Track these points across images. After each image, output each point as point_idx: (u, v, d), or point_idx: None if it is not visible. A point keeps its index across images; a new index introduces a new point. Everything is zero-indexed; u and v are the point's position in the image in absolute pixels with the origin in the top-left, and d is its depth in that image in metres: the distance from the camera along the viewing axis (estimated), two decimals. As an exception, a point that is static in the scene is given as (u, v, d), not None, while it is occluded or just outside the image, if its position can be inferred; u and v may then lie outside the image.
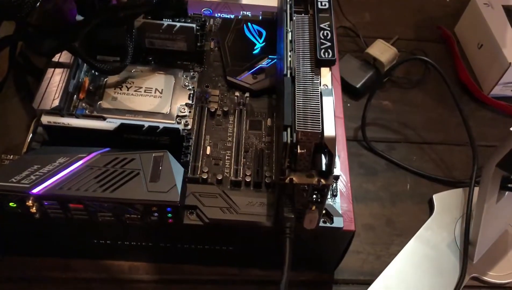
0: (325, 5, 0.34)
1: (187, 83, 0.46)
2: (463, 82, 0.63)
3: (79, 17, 0.45)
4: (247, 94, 0.46)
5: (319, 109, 0.30)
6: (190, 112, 0.44)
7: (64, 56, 0.44)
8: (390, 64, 0.60)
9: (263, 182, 0.41)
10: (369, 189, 0.54)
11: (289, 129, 0.30)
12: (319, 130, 0.29)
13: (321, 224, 0.39)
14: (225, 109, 0.45)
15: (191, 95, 0.45)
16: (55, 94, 0.41)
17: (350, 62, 0.62)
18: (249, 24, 0.51)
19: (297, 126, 0.29)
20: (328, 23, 0.33)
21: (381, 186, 0.54)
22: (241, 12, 0.53)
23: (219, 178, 0.41)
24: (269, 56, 0.48)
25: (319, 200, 0.34)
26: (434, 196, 0.53)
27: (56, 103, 0.40)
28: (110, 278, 0.45)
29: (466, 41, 0.67)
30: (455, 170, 0.56)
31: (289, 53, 0.33)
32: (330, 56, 0.31)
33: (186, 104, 0.45)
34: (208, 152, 0.43)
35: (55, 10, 0.47)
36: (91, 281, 0.45)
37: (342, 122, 0.46)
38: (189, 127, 0.43)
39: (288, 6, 0.36)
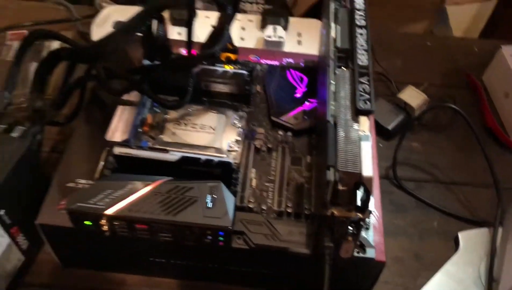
0: (364, 61, 0.40)
1: (236, 122, 0.52)
2: (490, 128, 0.67)
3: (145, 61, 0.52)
4: (289, 133, 0.51)
5: (358, 152, 0.35)
6: (238, 147, 0.50)
7: (132, 95, 0.50)
8: (420, 109, 0.65)
9: (303, 214, 0.46)
10: (398, 225, 0.58)
11: (332, 169, 0.35)
12: (359, 171, 0.34)
13: (354, 254, 0.43)
14: (269, 146, 0.50)
15: (240, 133, 0.51)
16: (124, 128, 0.47)
17: (382, 105, 0.66)
18: (291, 70, 0.56)
19: (340, 166, 0.34)
20: (367, 78, 0.38)
21: (410, 222, 0.58)
22: (284, 59, 0.59)
23: (264, 208, 0.46)
24: (310, 100, 0.54)
25: (355, 232, 0.39)
26: (459, 234, 0.56)
27: (125, 136, 0.47)
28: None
29: (493, 89, 0.71)
30: (481, 211, 0.59)
31: (332, 102, 0.38)
32: (368, 106, 0.37)
33: (236, 140, 0.50)
34: (253, 184, 0.48)
35: (125, 56, 0.55)
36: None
37: (376, 162, 0.51)
38: (238, 161, 0.49)
39: (331, 62, 0.41)
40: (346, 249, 0.40)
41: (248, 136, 0.51)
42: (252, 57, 0.59)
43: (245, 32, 0.72)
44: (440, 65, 0.75)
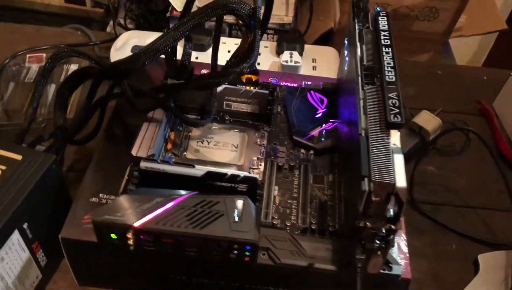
0: (392, 78, 0.41)
1: (258, 140, 0.52)
2: (503, 153, 0.68)
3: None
4: (311, 152, 0.52)
5: (391, 163, 0.36)
6: (260, 165, 0.50)
7: (156, 113, 0.51)
8: (435, 133, 0.65)
9: (327, 231, 0.45)
10: (415, 246, 0.57)
11: (366, 179, 0.35)
12: (393, 181, 0.35)
13: (380, 271, 0.43)
14: (292, 164, 0.51)
15: (262, 151, 0.51)
16: (150, 144, 0.48)
17: (397, 130, 0.67)
18: (311, 92, 0.57)
19: (373, 177, 0.35)
20: (396, 93, 0.39)
21: (427, 244, 0.58)
22: (303, 82, 0.60)
23: (288, 224, 0.46)
24: (331, 120, 0.54)
25: (383, 245, 0.38)
26: (479, 256, 0.56)
27: (151, 151, 0.47)
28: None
29: (504, 115, 0.72)
30: (498, 234, 0.59)
31: (362, 117, 0.39)
32: (399, 120, 0.37)
33: (258, 158, 0.51)
34: (277, 201, 0.48)
35: (147, 76, 0.56)
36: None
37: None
38: (260, 178, 0.49)
39: (360, 79, 0.42)
40: (374, 263, 0.39)
41: (269, 154, 0.52)
42: (271, 80, 0.60)
43: (261, 57, 0.74)
44: (451, 92, 0.77)
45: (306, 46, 0.75)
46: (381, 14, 0.46)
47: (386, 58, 0.42)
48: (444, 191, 0.64)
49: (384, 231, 0.36)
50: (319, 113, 0.55)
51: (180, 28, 0.46)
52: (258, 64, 0.72)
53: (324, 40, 0.85)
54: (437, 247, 0.58)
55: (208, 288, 0.48)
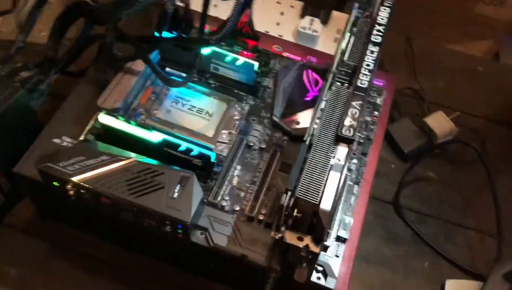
0: (364, 84, 0.36)
1: (236, 113, 0.50)
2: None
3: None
4: (285, 137, 0.49)
5: (323, 181, 0.32)
6: (230, 140, 0.48)
7: (136, 64, 0.49)
8: (444, 138, 0.60)
9: (273, 224, 0.43)
10: (385, 255, 0.54)
11: (289, 193, 0.32)
12: (317, 201, 0.32)
13: (315, 279, 0.41)
14: (262, 146, 0.48)
15: (236, 125, 0.49)
16: (118, 96, 0.46)
17: (406, 126, 0.62)
18: (309, 71, 0.53)
19: (298, 192, 0.32)
20: (361, 102, 0.35)
21: (399, 255, 0.55)
22: (308, 57, 0.56)
23: (236, 209, 0.44)
24: (318, 106, 0.50)
25: (309, 257, 0.36)
26: (447, 281, 0.52)
27: (116, 105, 0.46)
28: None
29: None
30: (479, 261, 0.54)
31: (316, 121, 0.35)
32: (350, 135, 0.33)
33: (229, 133, 0.48)
34: (234, 182, 0.46)
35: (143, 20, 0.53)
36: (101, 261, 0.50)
37: (369, 186, 0.47)
38: (225, 154, 0.47)
39: (331, 75, 0.38)
40: (299, 274, 0.37)
41: (243, 131, 0.49)
42: (275, 48, 0.56)
43: (283, 17, 0.68)
44: (485, 95, 0.69)
45: (334, 13, 0.68)
46: (385, 4, 0.41)
47: (368, 58, 0.38)
48: (436, 202, 0.59)
49: (303, 249, 0.34)
50: (309, 96, 0.51)
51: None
52: (278, 24, 0.67)
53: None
54: (409, 262, 0.54)
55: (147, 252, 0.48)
